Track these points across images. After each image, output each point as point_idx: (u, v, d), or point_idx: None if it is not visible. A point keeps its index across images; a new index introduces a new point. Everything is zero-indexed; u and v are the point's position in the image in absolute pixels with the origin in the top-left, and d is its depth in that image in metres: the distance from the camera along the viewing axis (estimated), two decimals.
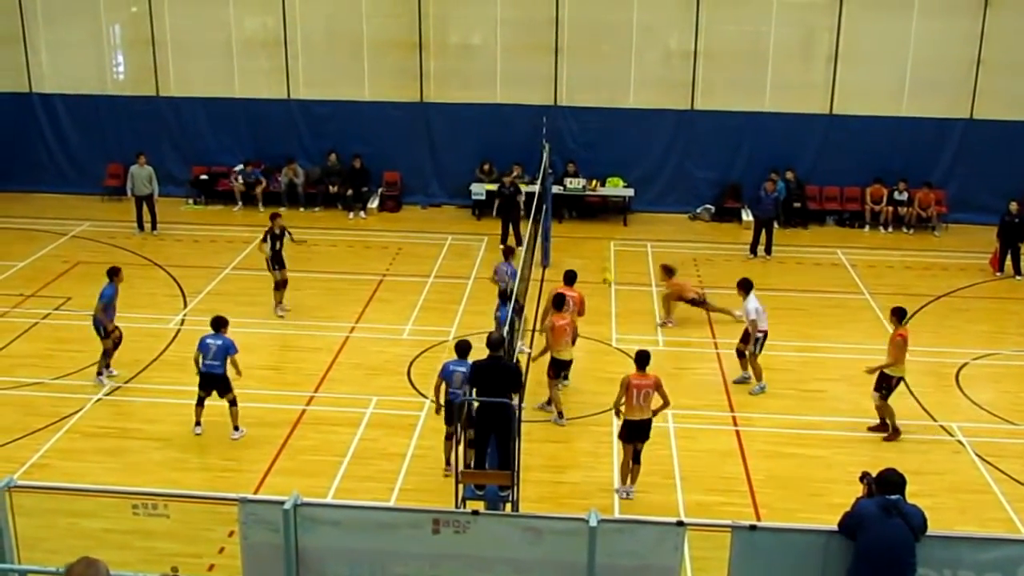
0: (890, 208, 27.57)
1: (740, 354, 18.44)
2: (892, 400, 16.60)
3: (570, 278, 18.48)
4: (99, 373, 18.10)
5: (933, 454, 16.26)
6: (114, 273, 18.33)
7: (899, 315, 16.72)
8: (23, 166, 29.40)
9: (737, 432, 16.86)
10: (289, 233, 21.30)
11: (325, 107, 28.85)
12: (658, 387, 14.72)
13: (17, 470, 14.73)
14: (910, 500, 9.74)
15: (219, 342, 16.20)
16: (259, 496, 13.70)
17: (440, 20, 28.45)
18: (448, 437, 15.16)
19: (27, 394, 17.64)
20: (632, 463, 14.92)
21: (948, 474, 15.64)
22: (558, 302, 17.12)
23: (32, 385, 17.94)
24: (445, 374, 14.92)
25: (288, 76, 28.90)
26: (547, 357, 17.18)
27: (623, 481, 15.05)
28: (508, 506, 12.70)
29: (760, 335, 18.05)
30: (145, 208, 26.22)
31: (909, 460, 15.09)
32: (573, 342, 17.38)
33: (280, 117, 29.00)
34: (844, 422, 17.11)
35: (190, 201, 28.98)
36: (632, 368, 14.98)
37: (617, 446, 15.43)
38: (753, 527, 9.30)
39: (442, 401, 14.89)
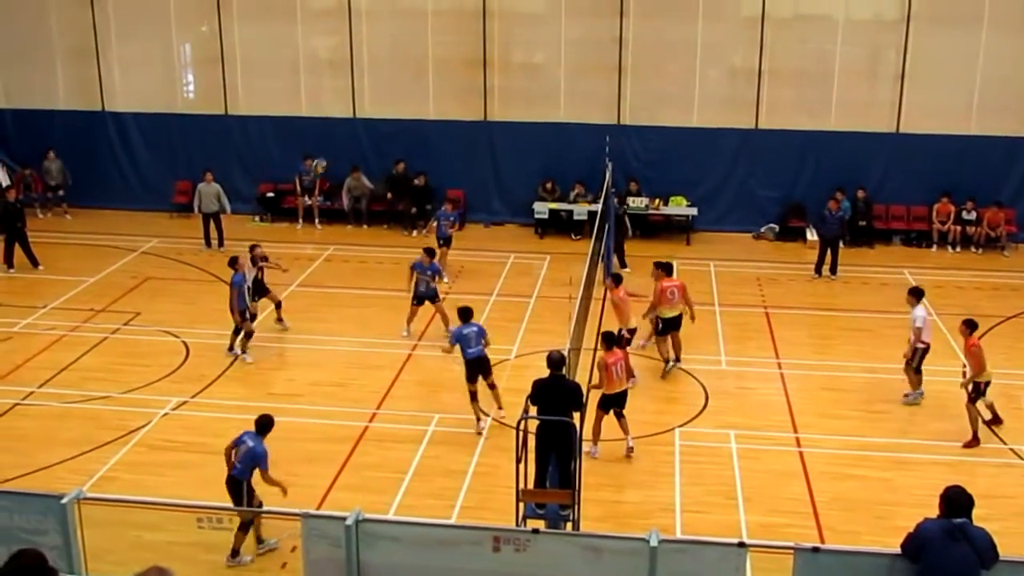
0: (958, 227, 27.20)
1: (916, 370, 18.36)
2: (959, 421, 16.38)
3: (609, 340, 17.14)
4: (231, 348, 19.98)
5: (1003, 477, 15.98)
6: (234, 262, 19.78)
7: (970, 326, 16.82)
8: (94, 183, 29.93)
9: (800, 453, 16.70)
10: (272, 262, 21.70)
11: (390, 125, 29.09)
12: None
13: (86, 482, 14.97)
14: (978, 524, 9.56)
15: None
16: (321, 511, 13.80)
17: (504, 39, 28.61)
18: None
19: (96, 407, 17.94)
20: (619, 419, 16.50)
21: (1019, 498, 15.36)
22: (607, 340, 16.92)
23: (101, 399, 18.25)
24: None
25: (354, 94, 29.21)
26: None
27: (595, 443, 16.42)
28: (569, 525, 12.69)
29: (922, 346, 18.07)
30: (212, 225, 26.59)
31: (978, 483, 14.84)
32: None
33: (346, 135, 29.28)
34: (910, 444, 16.90)
35: (256, 218, 29.35)
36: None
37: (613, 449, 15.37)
38: (816, 549, 9.23)
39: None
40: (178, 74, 30.74)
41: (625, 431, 16.53)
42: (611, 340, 16.70)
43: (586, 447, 16.33)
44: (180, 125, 29.88)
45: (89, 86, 29.89)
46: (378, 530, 9.67)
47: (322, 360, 19.83)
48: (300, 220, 28.89)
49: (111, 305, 22.70)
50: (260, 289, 21.13)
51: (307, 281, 24.33)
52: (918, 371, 18.33)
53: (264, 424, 13.82)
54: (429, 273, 20.85)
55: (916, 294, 18.65)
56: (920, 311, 18.31)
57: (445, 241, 24.76)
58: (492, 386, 17.60)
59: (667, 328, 19.60)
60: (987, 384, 16.74)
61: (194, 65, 30.67)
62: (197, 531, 11.40)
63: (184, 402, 18.18)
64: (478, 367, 17.33)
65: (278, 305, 21.49)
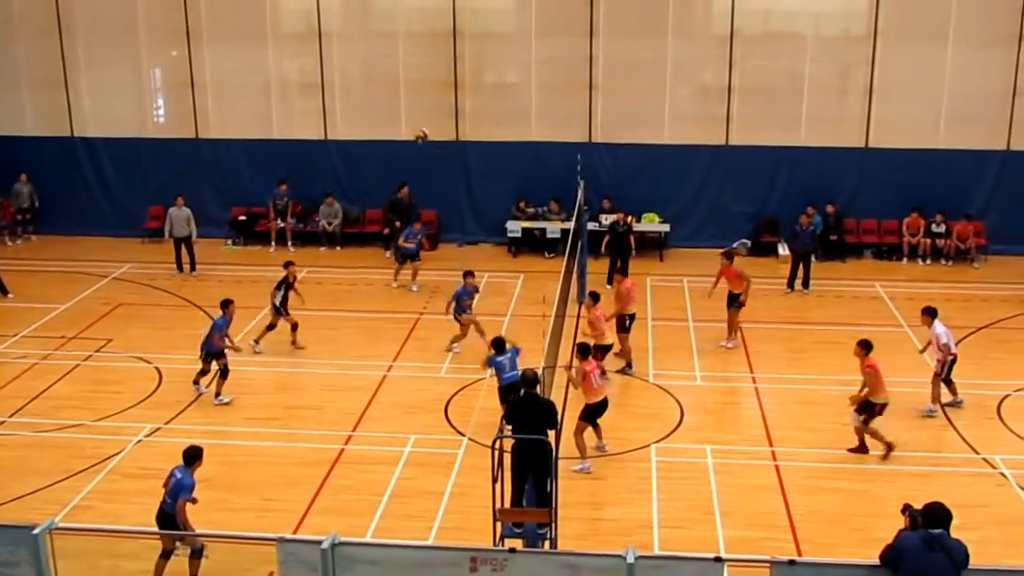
0: (928, 240, 27.41)
1: (946, 381, 18.51)
2: (932, 431, 16.45)
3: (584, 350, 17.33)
4: (215, 393, 19.13)
5: (977, 487, 16.07)
6: (226, 305, 19.17)
7: (865, 347, 16.84)
8: (65, 209, 29.79)
9: (777, 467, 16.74)
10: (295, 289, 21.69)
11: (362, 147, 29.09)
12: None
13: (59, 512, 14.85)
14: (955, 534, 9.64)
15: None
16: (297, 536, 13.74)
17: (475, 59, 28.70)
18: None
19: (69, 436, 17.79)
20: (594, 427, 16.81)
21: (993, 507, 15.44)
22: (581, 350, 16.94)
23: (73, 427, 18.11)
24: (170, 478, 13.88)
25: (325, 117, 29.22)
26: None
27: (584, 457, 16.53)
28: (546, 543, 12.66)
29: (951, 358, 18.29)
30: (184, 249, 26.50)
31: (953, 493, 14.91)
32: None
33: (318, 157, 29.27)
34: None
35: (229, 242, 29.27)
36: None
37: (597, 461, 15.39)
38: (792, 562, 9.24)
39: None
40: (148, 99, 30.65)
41: (598, 435, 16.98)
42: (585, 350, 16.81)
43: (576, 464, 16.35)
44: (151, 149, 29.80)
45: (58, 113, 29.80)
46: (355, 553, 9.62)
47: (297, 383, 19.77)
48: (273, 243, 28.82)
49: (83, 332, 22.56)
50: (285, 307, 21.37)
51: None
52: (948, 381, 18.51)
53: (190, 456, 13.54)
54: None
55: (930, 313, 18.76)
56: (939, 327, 18.48)
57: (410, 256, 25.19)
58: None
59: (631, 323, 20.36)
60: (883, 406, 16.67)
61: (165, 89, 30.60)
62: (173, 559, 11.35)
63: (158, 429, 18.06)
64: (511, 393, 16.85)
65: (294, 327, 21.47)
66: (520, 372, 14.13)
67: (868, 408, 16.65)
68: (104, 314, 23.67)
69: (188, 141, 29.62)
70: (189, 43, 28.98)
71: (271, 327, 21.33)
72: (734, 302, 21.45)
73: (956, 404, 18.62)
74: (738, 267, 21.59)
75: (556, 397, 15.41)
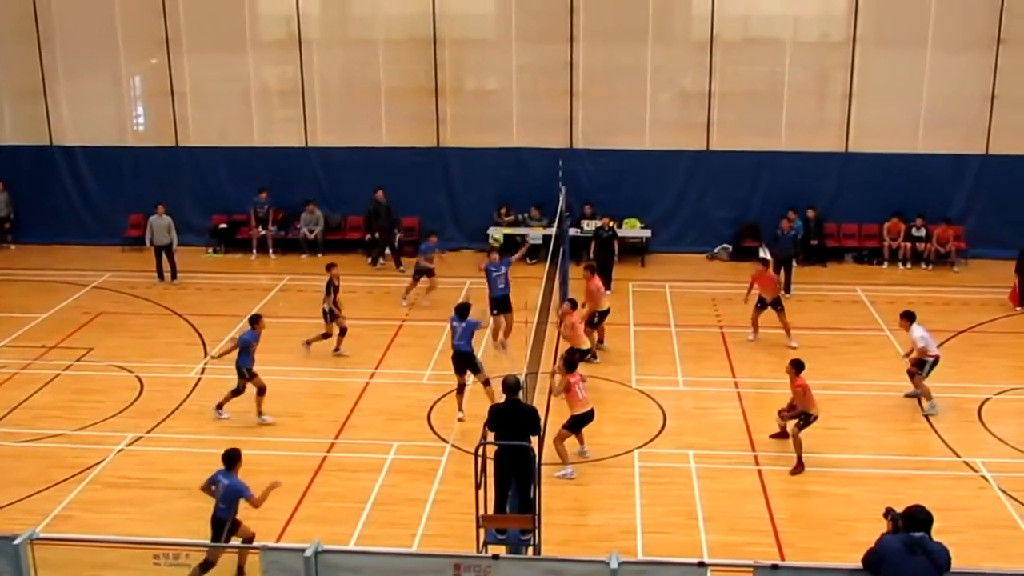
0: (908, 244, 27.52)
1: (911, 375, 18.91)
2: (914, 435, 16.50)
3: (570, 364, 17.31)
4: (219, 406, 18.65)
5: (958, 490, 16.12)
6: (255, 320, 18.64)
7: (797, 367, 16.90)
8: (45, 218, 29.68)
9: (759, 471, 16.76)
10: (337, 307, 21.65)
11: (343, 154, 29.06)
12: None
13: (40, 522, 14.77)
14: (936, 537, 9.68)
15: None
16: (280, 544, 13.70)
17: (456, 66, 28.69)
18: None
19: (49, 446, 17.70)
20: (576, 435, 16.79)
21: (974, 510, 15.50)
22: (568, 363, 16.90)
23: (54, 437, 18.01)
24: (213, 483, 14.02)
25: (306, 124, 29.17)
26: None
27: (566, 463, 16.53)
28: (530, 550, 12.66)
29: (930, 359, 18.64)
30: (165, 258, 26.41)
31: (934, 497, 14.94)
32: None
33: (299, 165, 29.22)
34: (867, 459, 17.02)
35: (210, 250, 29.19)
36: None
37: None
38: (775, 567, 9.28)
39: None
40: (128, 107, 30.50)
41: (580, 440, 17.02)
42: (572, 363, 16.79)
43: (559, 471, 16.35)
44: (131, 158, 29.68)
45: (37, 122, 29.66)
46: (338, 561, 9.61)
47: (279, 391, 19.69)
48: (254, 251, 28.75)
49: (63, 341, 22.45)
50: (333, 314, 21.40)
51: (262, 312, 24.10)
52: (916, 379, 18.87)
53: (230, 458, 13.67)
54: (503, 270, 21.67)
55: (908, 317, 19.15)
56: (917, 331, 18.77)
57: (426, 273, 24.63)
58: (486, 383, 18.40)
59: (600, 319, 20.93)
60: (815, 417, 16.77)
61: (144, 98, 30.48)
62: (155, 568, 11.30)
63: (139, 437, 17.99)
64: (460, 361, 18.48)
65: (343, 331, 21.56)
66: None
67: (804, 418, 16.71)
68: (84, 323, 23.57)
69: (168, 149, 29.53)
70: (168, 51, 28.88)
71: (326, 336, 21.45)
72: (777, 305, 21.94)
73: (916, 395, 18.93)
74: (771, 273, 22.36)
75: (539, 403, 15.42)
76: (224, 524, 13.30)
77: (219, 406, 18.57)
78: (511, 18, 28.32)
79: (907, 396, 19.10)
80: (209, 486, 13.61)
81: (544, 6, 27.99)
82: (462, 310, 18.61)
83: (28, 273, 27.23)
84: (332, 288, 21.39)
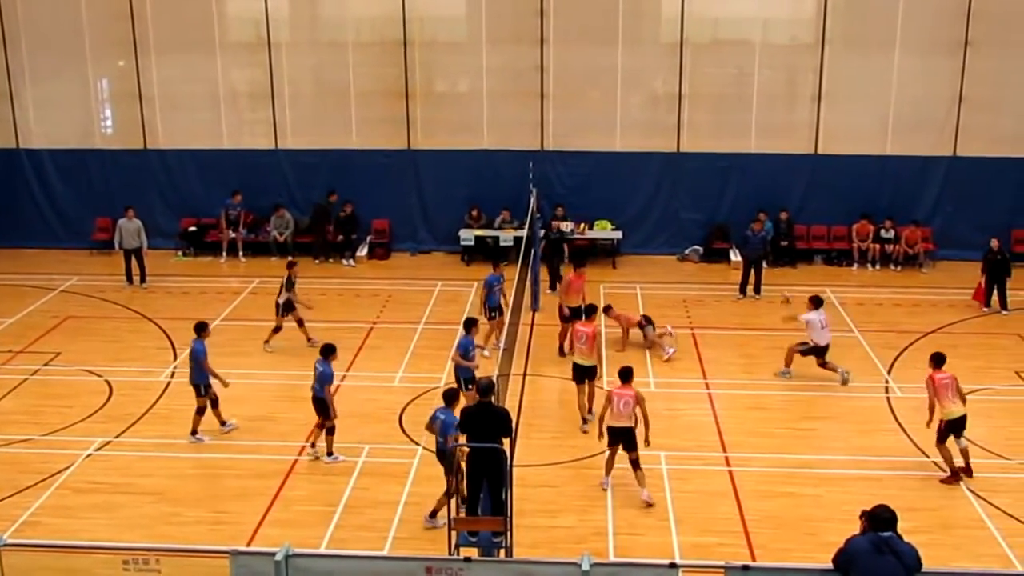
0: (877, 246, 27.69)
1: (821, 363, 20.12)
2: (883, 436, 16.57)
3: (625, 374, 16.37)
4: (193, 432, 17.86)
5: (927, 491, 16.20)
6: (200, 328, 18.02)
7: (815, 302, 19.37)
8: (11, 222, 29.42)
9: (730, 472, 16.81)
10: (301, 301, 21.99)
11: (313, 156, 28.97)
12: (639, 401, 15.70)
13: (8, 528, 14.61)
14: (906, 537, 9.73)
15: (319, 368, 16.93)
16: (251, 548, 13.64)
17: (426, 68, 28.66)
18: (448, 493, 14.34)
19: (17, 451, 17.53)
20: (635, 470, 15.72)
21: (942, 510, 15.60)
22: (623, 374, 16.25)
23: (21, 442, 17.85)
24: (434, 421, 14.92)
25: (276, 126, 29.05)
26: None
27: (607, 473, 16.12)
28: (502, 552, 12.65)
29: (809, 343, 20.01)
30: (134, 261, 26.23)
31: (903, 497, 15.07)
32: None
33: (268, 167, 29.11)
34: (836, 460, 17.09)
35: (179, 253, 29.02)
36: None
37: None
38: (746, 567, 9.32)
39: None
40: (95, 110, 30.25)
41: (640, 482, 15.77)
42: (627, 375, 16.14)
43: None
44: (99, 161, 29.46)
45: (3, 125, 29.39)
46: (309, 565, 9.57)
47: (249, 394, 19.59)
48: (224, 254, 28.61)
49: (30, 346, 22.26)
50: (289, 306, 21.79)
51: (232, 315, 24.09)
52: (824, 364, 20.10)
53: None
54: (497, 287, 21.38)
55: (813, 301, 20.32)
56: (809, 315, 20.02)
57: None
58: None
59: (574, 316, 20.54)
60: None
61: (112, 100, 30.27)
62: (124, 574, 11.20)
63: (108, 442, 17.84)
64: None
65: (300, 323, 21.87)
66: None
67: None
68: (52, 327, 23.37)
69: (136, 152, 29.32)
70: (136, 53, 28.70)
71: (277, 329, 21.80)
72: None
73: (785, 375, 20.32)
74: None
75: (510, 404, 15.40)
76: (448, 456, 14.03)
77: (193, 432, 17.91)
78: (481, 20, 28.30)
79: (780, 373, 20.43)
80: (432, 424, 14.87)
81: (514, 9, 28.01)
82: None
83: None
84: (290, 284, 21.71)
